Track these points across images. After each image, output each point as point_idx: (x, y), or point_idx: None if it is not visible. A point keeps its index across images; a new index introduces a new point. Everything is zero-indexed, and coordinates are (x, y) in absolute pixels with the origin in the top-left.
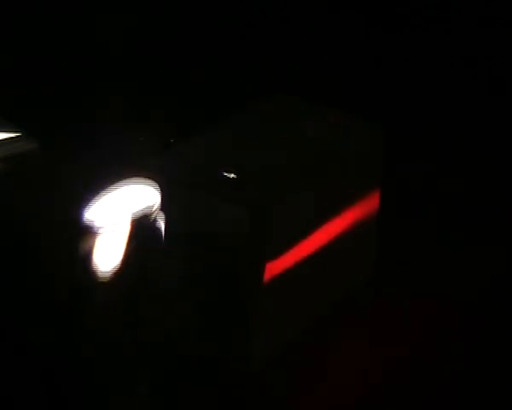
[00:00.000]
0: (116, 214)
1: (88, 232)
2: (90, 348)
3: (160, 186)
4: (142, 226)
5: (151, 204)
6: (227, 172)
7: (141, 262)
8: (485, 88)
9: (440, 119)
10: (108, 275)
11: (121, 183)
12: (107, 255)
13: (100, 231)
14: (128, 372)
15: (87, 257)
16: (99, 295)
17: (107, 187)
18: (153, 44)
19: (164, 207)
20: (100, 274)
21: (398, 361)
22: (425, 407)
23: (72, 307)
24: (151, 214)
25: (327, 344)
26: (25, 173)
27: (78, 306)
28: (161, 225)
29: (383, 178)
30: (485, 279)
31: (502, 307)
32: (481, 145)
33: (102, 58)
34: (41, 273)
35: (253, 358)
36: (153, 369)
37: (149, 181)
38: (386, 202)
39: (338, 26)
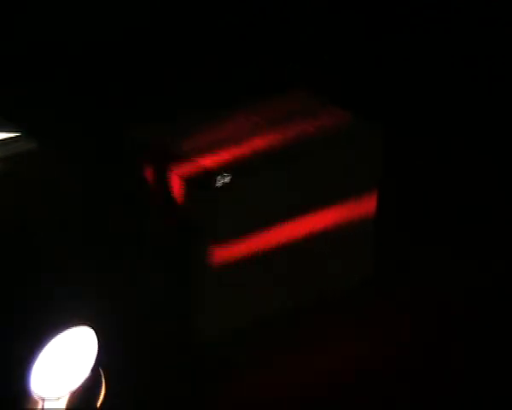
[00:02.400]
0: (59, 379)
1: (31, 400)
2: None
3: (96, 331)
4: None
5: (90, 357)
6: (220, 175)
7: None
8: (485, 88)
9: (440, 119)
10: None
11: (58, 337)
12: None
13: (42, 399)
14: None
15: None
16: None
17: (44, 344)
18: (151, 44)
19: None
20: None
21: (399, 361)
22: (425, 408)
23: None
24: (91, 371)
25: (317, 344)
26: (25, 173)
27: None
28: (100, 381)
29: (383, 179)
30: (485, 279)
31: (502, 307)
32: (481, 145)
33: (102, 57)
34: None
35: (202, 333)
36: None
37: (85, 328)
38: (387, 201)
39: (338, 26)
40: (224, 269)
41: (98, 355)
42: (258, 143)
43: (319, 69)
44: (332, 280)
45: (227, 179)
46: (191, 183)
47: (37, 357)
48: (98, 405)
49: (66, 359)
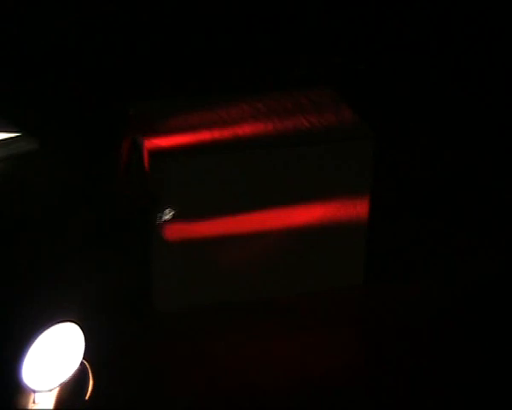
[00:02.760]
0: (49, 372)
1: (23, 393)
2: None
3: (82, 328)
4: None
5: (77, 351)
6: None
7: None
8: (483, 88)
9: (438, 118)
10: None
11: (46, 333)
12: None
13: (34, 391)
14: None
15: None
16: None
17: (33, 339)
18: (151, 44)
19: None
20: None
21: (396, 361)
22: (423, 407)
23: None
24: (78, 363)
25: (312, 343)
26: (25, 173)
27: None
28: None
29: (383, 178)
30: (483, 278)
31: (500, 306)
32: (479, 145)
33: (102, 57)
34: None
35: (156, 300)
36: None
37: (72, 325)
38: (385, 201)
39: (338, 26)
40: (185, 245)
41: (85, 350)
42: (248, 128)
43: (319, 69)
44: (316, 280)
45: (168, 216)
46: (153, 155)
47: (27, 352)
48: (87, 397)
49: (55, 353)
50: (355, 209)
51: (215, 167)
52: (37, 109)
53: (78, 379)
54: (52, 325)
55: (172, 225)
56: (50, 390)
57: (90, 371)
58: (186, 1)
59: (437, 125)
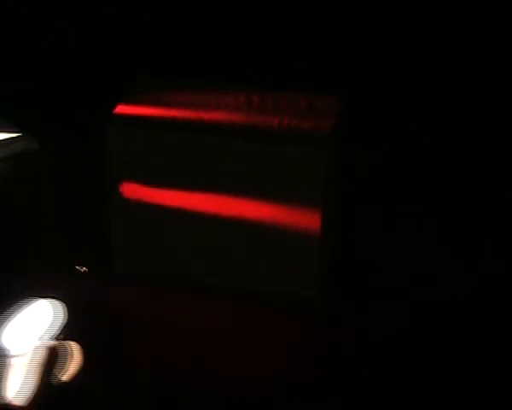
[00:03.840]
0: (25, 339)
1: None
2: None
3: (63, 305)
4: (48, 351)
5: (56, 325)
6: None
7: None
8: (483, 88)
9: (438, 120)
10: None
11: (28, 304)
12: (18, 378)
13: (11, 355)
14: None
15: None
16: None
17: (15, 309)
18: (152, 43)
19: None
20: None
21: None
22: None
23: None
24: (57, 336)
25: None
26: (25, 173)
27: None
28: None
29: (381, 182)
30: (472, 280)
31: (496, 309)
32: (479, 146)
33: (102, 57)
34: None
35: (115, 262)
36: None
37: (54, 301)
38: (372, 200)
39: (337, 26)
40: (142, 210)
41: (67, 329)
42: (222, 115)
43: (318, 69)
44: (265, 279)
45: (83, 269)
46: (117, 119)
47: (6, 321)
48: (64, 376)
49: (33, 325)
50: (306, 219)
51: (170, 144)
52: (37, 109)
53: (55, 357)
54: (34, 299)
55: (130, 188)
56: (21, 355)
57: (72, 352)
58: (186, 1)
59: (437, 125)
